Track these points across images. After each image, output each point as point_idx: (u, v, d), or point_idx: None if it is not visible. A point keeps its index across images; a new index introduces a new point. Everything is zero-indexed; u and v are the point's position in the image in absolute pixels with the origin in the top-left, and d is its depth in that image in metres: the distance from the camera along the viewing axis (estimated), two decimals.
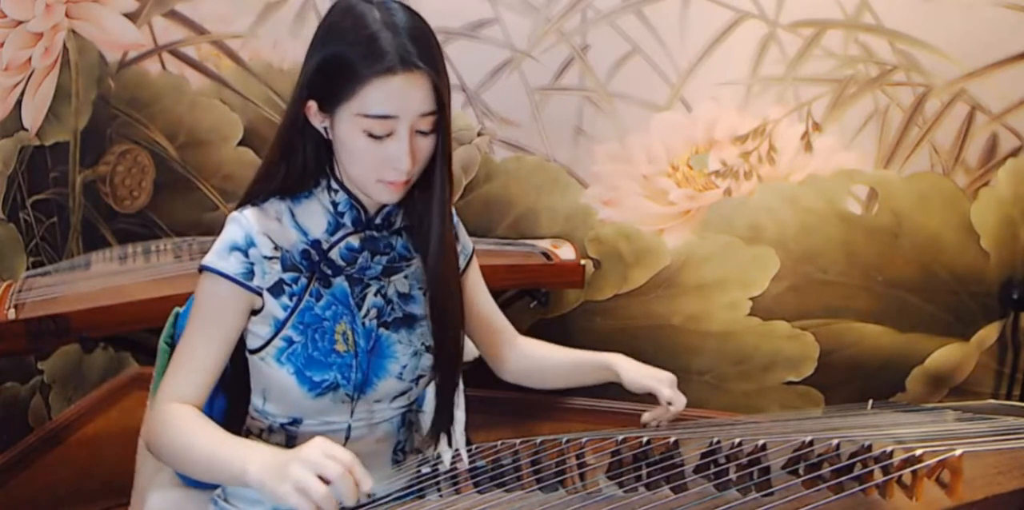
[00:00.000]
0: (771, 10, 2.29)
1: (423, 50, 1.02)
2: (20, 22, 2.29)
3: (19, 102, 2.31)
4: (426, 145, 1.06)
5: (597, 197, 2.50)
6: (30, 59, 2.34)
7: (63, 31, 2.48)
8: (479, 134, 2.49)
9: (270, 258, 1.09)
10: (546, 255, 2.34)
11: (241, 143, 2.62)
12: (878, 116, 2.32)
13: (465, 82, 2.45)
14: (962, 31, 2.22)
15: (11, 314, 1.81)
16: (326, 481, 0.85)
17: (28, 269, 2.34)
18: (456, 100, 2.46)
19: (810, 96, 2.34)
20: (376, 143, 1.04)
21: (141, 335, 1.99)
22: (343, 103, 1.03)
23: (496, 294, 2.35)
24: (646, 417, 1.18)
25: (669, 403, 1.17)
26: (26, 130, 2.36)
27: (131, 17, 2.57)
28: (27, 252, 2.39)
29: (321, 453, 0.87)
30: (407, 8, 1.06)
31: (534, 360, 1.31)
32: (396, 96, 1.01)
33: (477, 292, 1.30)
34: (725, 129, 2.39)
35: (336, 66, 1.03)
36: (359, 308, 1.14)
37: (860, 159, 2.36)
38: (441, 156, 1.08)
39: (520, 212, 2.54)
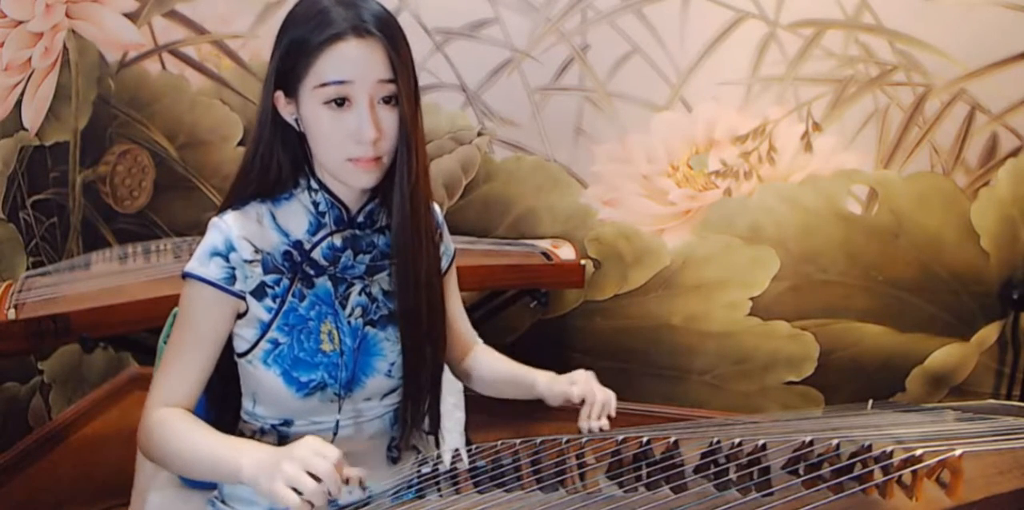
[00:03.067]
0: (771, 10, 2.29)
1: (378, 21, 1.03)
2: (20, 22, 2.29)
3: (19, 102, 2.31)
4: (391, 118, 1.06)
5: (597, 197, 2.50)
6: (30, 59, 2.34)
7: (63, 31, 2.48)
8: (479, 134, 2.49)
9: (250, 261, 1.09)
10: (546, 255, 2.33)
11: (241, 143, 2.62)
12: (878, 116, 2.32)
13: (465, 82, 2.45)
14: (962, 31, 2.22)
15: (11, 314, 1.82)
16: (316, 478, 0.88)
17: (28, 269, 2.34)
18: (456, 100, 2.46)
19: (810, 96, 2.34)
20: (338, 116, 1.04)
21: (141, 335, 1.99)
22: (303, 81, 1.04)
23: (496, 294, 2.39)
24: (581, 424, 1.14)
25: (582, 400, 1.14)
26: (26, 130, 2.36)
27: (131, 17, 2.57)
28: (27, 252, 2.39)
29: (311, 451, 0.90)
30: None
31: (484, 370, 1.31)
32: (349, 61, 1.02)
33: (449, 297, 1.29)
34: (725, 129, 2.39)
35: (293, 48, 1.04)
36: (343, 307, 1.14)
37: (860, 159, 2.35)
38: (404, 136, 1.06)
39: (520, 212, 2.54)
